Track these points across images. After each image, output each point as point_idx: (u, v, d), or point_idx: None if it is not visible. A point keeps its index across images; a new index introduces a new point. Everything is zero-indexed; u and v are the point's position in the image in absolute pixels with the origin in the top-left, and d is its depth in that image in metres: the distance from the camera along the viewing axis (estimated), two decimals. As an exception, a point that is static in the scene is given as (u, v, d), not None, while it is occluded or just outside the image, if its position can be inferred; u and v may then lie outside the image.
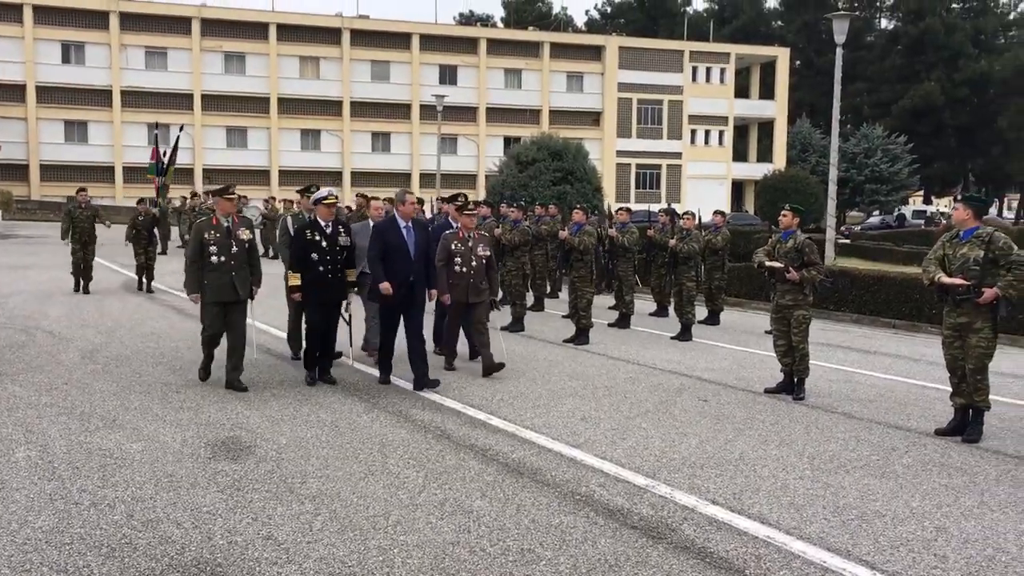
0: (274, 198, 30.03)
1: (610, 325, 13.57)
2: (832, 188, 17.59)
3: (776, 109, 65.67)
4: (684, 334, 12.72)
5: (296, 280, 8.48)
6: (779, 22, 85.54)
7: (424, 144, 57.50)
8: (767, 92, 67.70)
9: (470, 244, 9.50)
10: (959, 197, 7.52)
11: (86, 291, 15.94)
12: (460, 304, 9.45)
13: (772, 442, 6.99)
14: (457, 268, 9.42)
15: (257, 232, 14.62)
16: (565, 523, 5.03)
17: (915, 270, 25.43)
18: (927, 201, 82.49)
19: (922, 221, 57.31)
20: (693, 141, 64.05)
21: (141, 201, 18.38)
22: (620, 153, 61.96)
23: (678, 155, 63.44)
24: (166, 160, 14.67)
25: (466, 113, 59.22)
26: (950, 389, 7.46)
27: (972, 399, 7.24)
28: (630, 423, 7.48)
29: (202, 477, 5.70)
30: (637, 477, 5.94)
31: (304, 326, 9.09)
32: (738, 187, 66.78)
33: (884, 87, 74.63)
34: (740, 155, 67.78)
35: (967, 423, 7.31)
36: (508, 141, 54.50)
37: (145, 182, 48.44)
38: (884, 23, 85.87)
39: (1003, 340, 13.11)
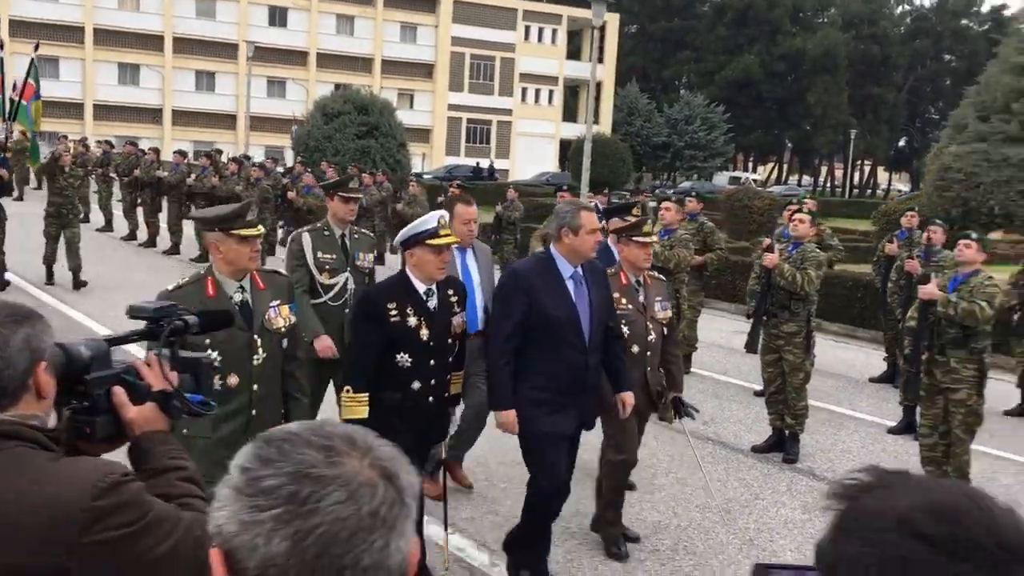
0: (65, 136, 29.13)
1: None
2: (586, 161, 19.22)
3: (604, 73, 67.98)
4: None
5: (361, 410, 3.94)
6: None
7: (252, 86, 56.53)
8: (599, 55, 70.00)
9: (641, 299, 4.95)
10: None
11: None
12: (639, 410, 4.89)
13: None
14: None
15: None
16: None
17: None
18: (746, 169, 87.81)
19: (735, 186, 61.20)
20: (524, 99, 65.64)
21: None
22: (452, 107, 62.81)
23: (508, 112, 64.88)
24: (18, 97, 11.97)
25: (296, 57, 58.47)
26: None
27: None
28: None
29: None
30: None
31: None
32: (566, 146, 69.01)
33: (710, 57, 78.46)
34: (572, 115, 69.98)
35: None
36: (339, 88, 54.32)
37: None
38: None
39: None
